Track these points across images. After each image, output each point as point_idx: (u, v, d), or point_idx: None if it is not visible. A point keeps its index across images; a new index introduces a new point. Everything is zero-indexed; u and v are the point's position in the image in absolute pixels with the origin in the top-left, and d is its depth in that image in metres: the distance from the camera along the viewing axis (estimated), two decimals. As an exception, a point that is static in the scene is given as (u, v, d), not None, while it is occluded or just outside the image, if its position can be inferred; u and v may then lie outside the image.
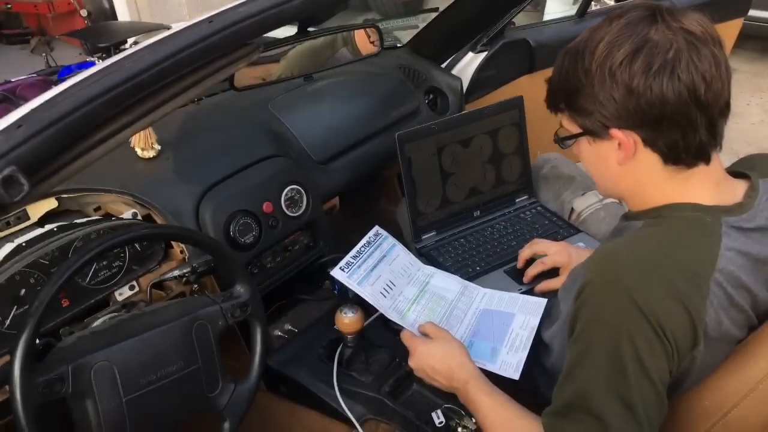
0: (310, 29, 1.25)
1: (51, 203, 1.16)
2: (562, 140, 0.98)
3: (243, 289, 1.09)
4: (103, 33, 2.97)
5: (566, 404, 0.88)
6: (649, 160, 0.90)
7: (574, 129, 0.95)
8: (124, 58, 0.69)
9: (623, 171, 0.93)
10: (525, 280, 1.39)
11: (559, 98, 0.96)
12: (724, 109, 0.87)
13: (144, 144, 1.29)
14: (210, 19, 0.76)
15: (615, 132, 0.89)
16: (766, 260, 0.90)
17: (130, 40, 2.73)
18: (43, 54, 2.75)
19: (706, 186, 0.91)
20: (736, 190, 0.93)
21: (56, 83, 2.39)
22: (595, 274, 0.87)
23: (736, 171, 0.97)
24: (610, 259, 0.88)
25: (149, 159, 1.31)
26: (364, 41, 1.75)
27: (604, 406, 0.83)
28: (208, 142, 1.40)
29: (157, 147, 1.32)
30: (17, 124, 0.59)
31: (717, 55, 0.84)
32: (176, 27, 0.77)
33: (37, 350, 0.91)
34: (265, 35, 0.84)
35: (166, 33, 0.74)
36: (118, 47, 2.76)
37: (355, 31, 1.75)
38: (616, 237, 0.99)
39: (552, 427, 0.89)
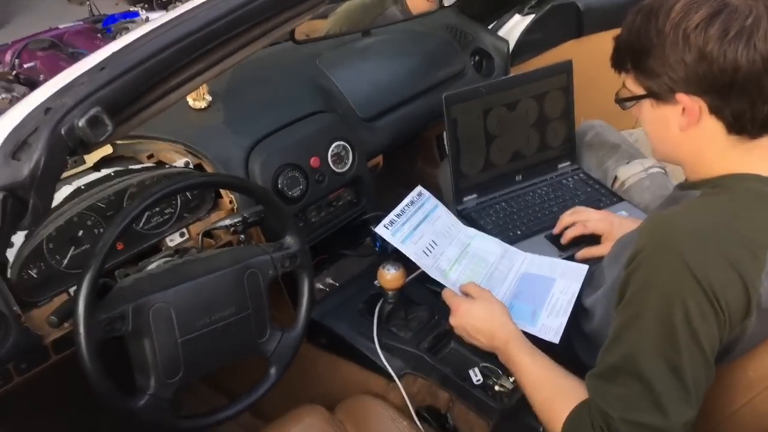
0: (370, -16, 1.25)
1: (106, 149, 1.19)
2: (624, 101, 0.97)
3: (293, 241, 1.11)
4: (144, -17, 2.97)
5: (613, 367, 0.88)
6: (712, 127, 0.89)
7: (638, 90, 0.94)
8: (198, 6, 0.70)
9: (684, 137, 0.92)
10: (563, 241, 1.40)
11: (626, 57, 0.94)
12: None
13: (196, 95, 1.31)
14: (279, -30, 0.77)
15: (681, 96, 0.88)
16: None
17: (171, -10, 2.74)
18: (87, 3, 2.78)
19: None
20: None
21: (101, 32, 2.41)
22: (650, 240, 0.87)
23: None
24: (665, 226, 0.87)
25: (200, 109, 1.33)
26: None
27: (651, 370, 0.84)
28: (257, 95, 1.41)
29: (208, 98, 1.33)
30: (100, 66, 0.61)
31: None
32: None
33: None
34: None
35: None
36: (159, -4, 2.77)
37: (405, -11, 1.72)
38: (671, 205, 0.99)
39: (597, 389, 0.90)
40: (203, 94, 1.32)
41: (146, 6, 2.55)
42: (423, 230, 1.33)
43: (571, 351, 1.23)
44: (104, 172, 1.14)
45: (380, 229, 1.28)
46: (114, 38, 2.20)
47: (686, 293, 0.82)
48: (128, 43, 0.63)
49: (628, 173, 1.57)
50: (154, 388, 0.97)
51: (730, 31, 0.81)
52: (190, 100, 1.32)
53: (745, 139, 0.88)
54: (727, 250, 0.82)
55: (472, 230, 1.42)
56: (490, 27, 1.92)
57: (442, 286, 1.27)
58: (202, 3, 0.70)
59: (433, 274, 1.28)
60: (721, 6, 0.82)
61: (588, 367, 1.06)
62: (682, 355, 0.83)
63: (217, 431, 1.46)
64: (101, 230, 1.10)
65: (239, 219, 1.15)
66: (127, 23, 2.30)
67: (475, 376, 1.20)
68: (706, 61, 0.83)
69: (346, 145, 1.39)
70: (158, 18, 0.70)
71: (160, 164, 1.24)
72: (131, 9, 2.50)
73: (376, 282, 1.38)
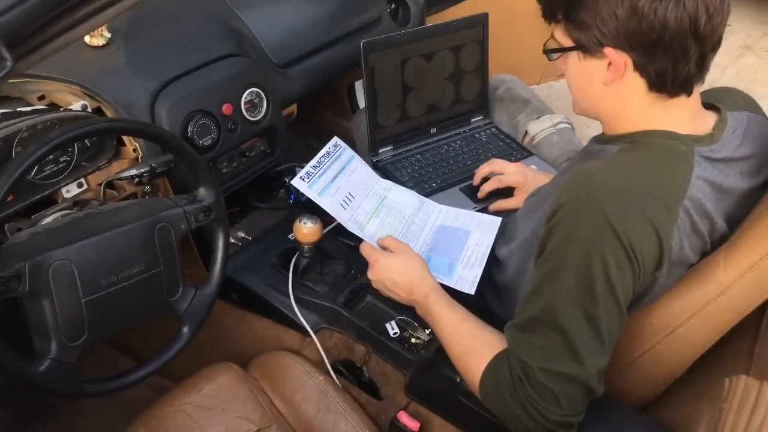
0: None
1: (-11, 87, 1.06)
2: (551, 52, 0.97)
3: (207, 193, 1.04)
4: None
5: (532, 318, 0.91)
6: (634, 84, 0.91)
7: (566, 42, 0.94)
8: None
9: (606, 92, 0.94)
10: (480, 195, 1.41)
11: (558, 7, 0.93)
12: (717, 44, 0.88)
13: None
14: None
15: (609, 51, 0.89)
16: (728, 190, 0.94)
17: None
18: None
19: (683, 116, 0.93)
20: (707, 121, 0.96)
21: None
22: (572, 196, 0.89)
23: (705, 102, 0.99)
24: (587, 182, 0.89)
25: (98, 47, 1.21)
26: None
27: (569, 321, 0.87)
28: (163, 35, 1.30)
29: (107, 35, 1.21)
30: (-6, -11, 0.52)
31: None
32: None
33: (-15, 245, 0.85)
34: None
35: None
36: None
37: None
38: (588, 159, 1.01)
39: (516, 339, 0.92)
40: (101, 31, 1.19)
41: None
42: (340, 183, 1.30)
43: (482, 302, 1.25)
44: (-12, 114, 1.02)
45: (297, 182, 1.24)
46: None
47: (605, 247, 0.84)
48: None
49: (538, 128, 1.60)
50: (56, 352, 0.90)
51: None
52: (86, 37, 1.19)
53: (663, 97, 0.91)
54: (645, 205, 0.85)
55: (388, 182, 1.40)
56: (404, -26, 1.87)
57: (356, 239, 1.26)
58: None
59: (351, 228, 1.25)
60: None
61: (499, 317, 1.09)
62: (599, 307, 0.86)
63: (124, 393, 1.39)
64: (-14, 179, 0.99)
65: (147, 169, 1.07)
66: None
67: (392, 329, 1.21)
68: (636, 17, 0.84)
69: (260, 92, 1.31)
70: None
71: (53, 107, 1.12)
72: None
73: (290, 236, 1.34)
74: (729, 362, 1.00)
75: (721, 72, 3.15)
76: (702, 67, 0.89)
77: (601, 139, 1.02)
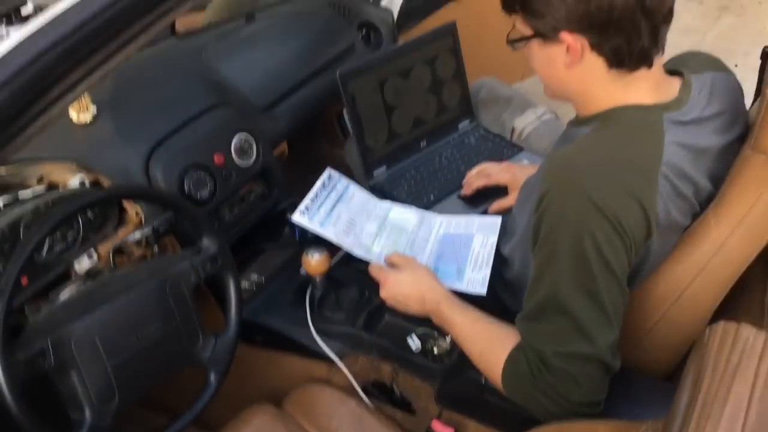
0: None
1: (-10, 179, 1.11)
2: (514, 42, 1.00)
3: (210, 242, 1.08)
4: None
5: (537, 307, 0.93)
6: (594, 64, 0.94)
7: (527, 31, 0.97)
8: (66, 10, 0.65)
9: (570, 74, 0.96)
10: (467, 192, 1.45)
11: None
12: (668, 16, 0.91)
13: (79, 107, 1.23)
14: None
15: (564, 35, 0.92)
16: (704, 150, 0.96)
17: (30, 3, 2.55)
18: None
19: (647, 87, 0.95)
20: (672, 87, 0.98)
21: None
22: (553, 181, 0.91)
23: (670, 69, 1.02)
24: (565, 165, 0.92)
25: (87, 124, 1.26)
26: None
27: (573, 302, 0.88)
28: (146, 99, 1.34)
29: (93, 109, 1.26)
30: (-31, 89, 0.56)
31: None
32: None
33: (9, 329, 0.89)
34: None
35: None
36: (18, 11, 2.58)
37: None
38: (566, 143, 1.03)
39: (527, 330, 0.94)
40: (86, 105, 1.24)
41: (4, 20, 2.35)
42: (339, 211, 1.33)
43: (497, 301, 1.27)
44: (-8, 204, 1.06)
45: (296, 217, 1.27)
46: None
47: (593, 225, 0.87)
48: (-3, 58, 0.59)
49: (524, 123, 1.63)
50: (91, 419, 0.93)
51: None
52: (73, 114, 1.24)
53: (624, 73, 0.94)
54: (623, 179, 0.88)
55: (387, 203, 1.43)
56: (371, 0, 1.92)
57: (366, 263, 1.28)
58: (71, 6, 0.66)
59: (357, 252, 1.28)
60: None
61: (515, 313, 1.10)
62: (597, 283, 0.88)
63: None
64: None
65: (149, 229, 1.11)
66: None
67: (414, 343, 1.22)
68: (584, 1, 0.87)
69: (249, 136, 1.35)
70: (22, 29, 0.66)
71: (53, 187, 1.17)
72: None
73: (301, 270, 1.37)
74: (743, 316, 1.01)
75: (701, 37, 3.13)
76: (656, 39, 0.91)
77: (575, 122, 1.05)
